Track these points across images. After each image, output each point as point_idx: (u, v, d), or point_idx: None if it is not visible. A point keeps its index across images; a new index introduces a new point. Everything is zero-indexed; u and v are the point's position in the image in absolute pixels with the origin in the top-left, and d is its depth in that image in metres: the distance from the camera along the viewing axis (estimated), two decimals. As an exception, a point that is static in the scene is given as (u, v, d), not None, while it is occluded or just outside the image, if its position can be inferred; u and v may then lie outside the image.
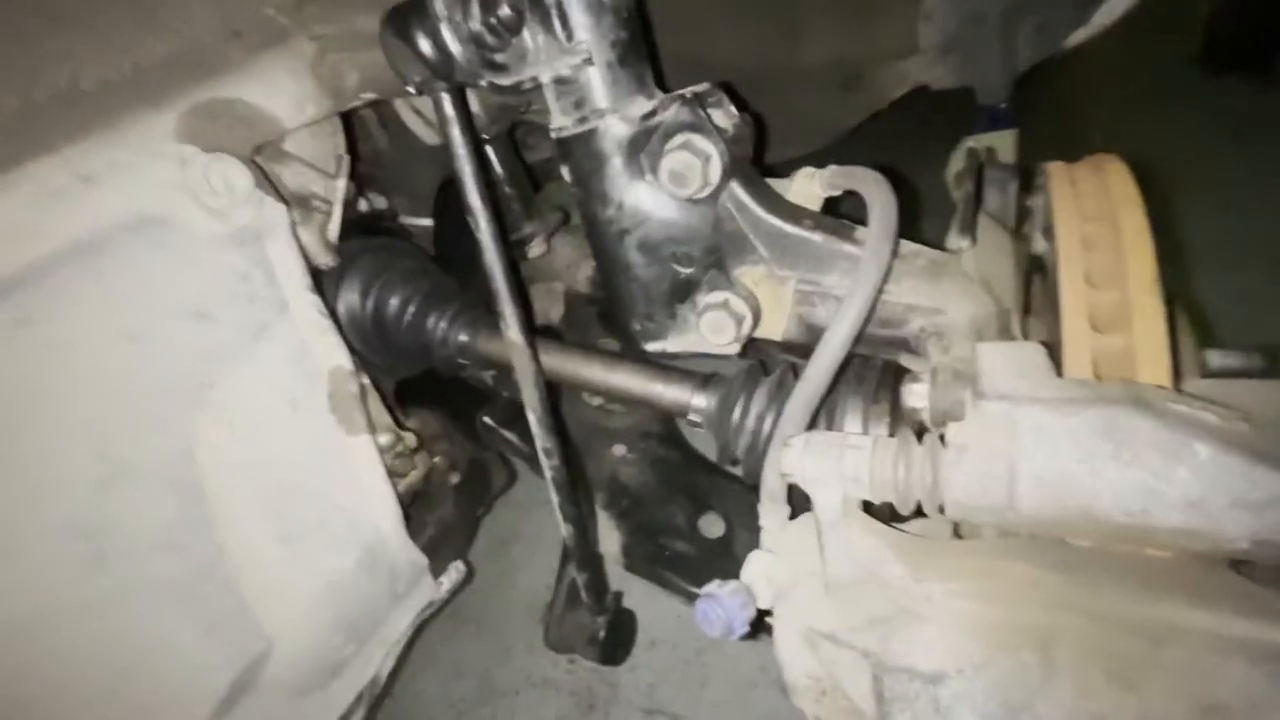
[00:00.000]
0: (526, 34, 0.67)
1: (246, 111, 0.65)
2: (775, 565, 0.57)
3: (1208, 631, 0.42)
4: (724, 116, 0.75)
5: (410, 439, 0.98)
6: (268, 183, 0.68)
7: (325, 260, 0.88)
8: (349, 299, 1.01)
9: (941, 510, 0.50)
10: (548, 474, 0.89)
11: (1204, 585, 0.45)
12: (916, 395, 0.65)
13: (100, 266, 0.56)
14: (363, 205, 1.08)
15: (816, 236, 0.74)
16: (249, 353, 0.68)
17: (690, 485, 1.16)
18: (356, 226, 1.11)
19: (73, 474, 0.56)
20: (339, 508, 0.78)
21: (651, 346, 0.85)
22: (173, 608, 0.64)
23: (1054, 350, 0.54)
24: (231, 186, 0.63)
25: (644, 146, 0.71)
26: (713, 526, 1.12)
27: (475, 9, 0.61)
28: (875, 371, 0.81)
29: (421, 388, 1.14)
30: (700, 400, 0.89)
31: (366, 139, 1.13)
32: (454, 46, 0.62)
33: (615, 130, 0.70)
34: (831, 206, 0.81)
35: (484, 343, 1.02)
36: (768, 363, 0.90)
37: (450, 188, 1.18)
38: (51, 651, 0.54)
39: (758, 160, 0.83)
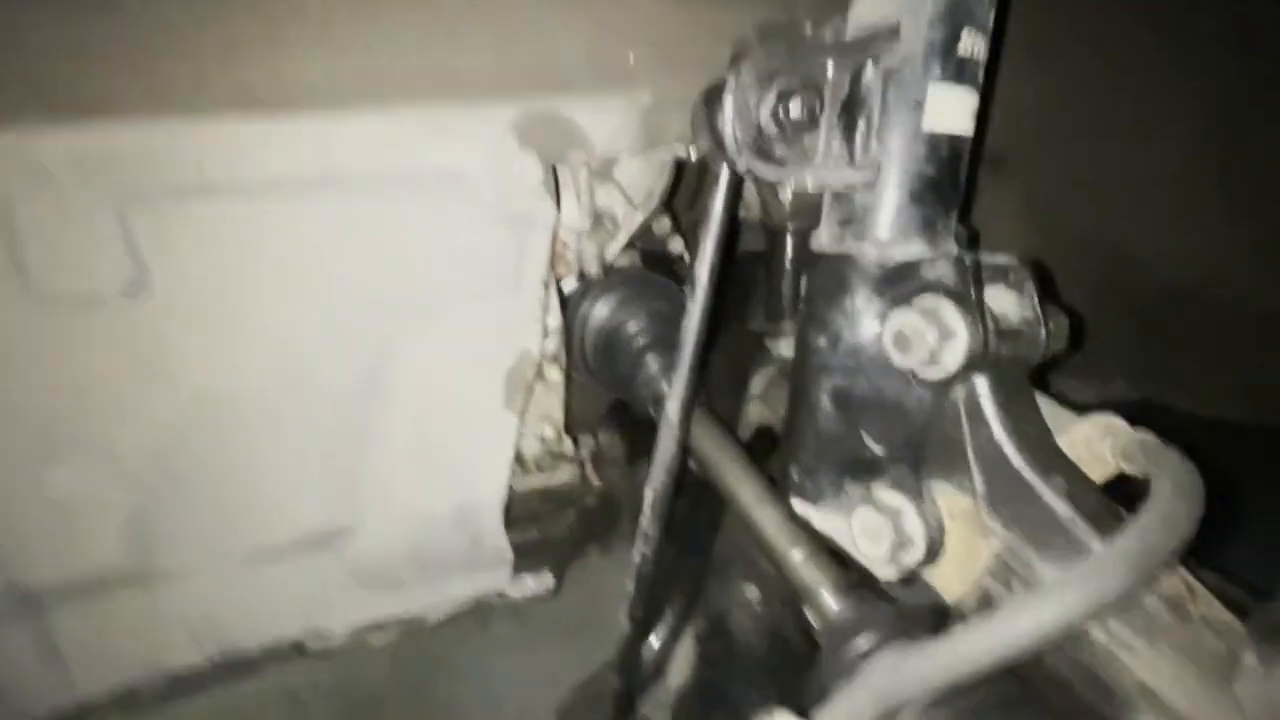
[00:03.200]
0: (821, 138, 0.63)
1: (570, 129, 0.77)
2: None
3: None
4: (1015, 303, 0.60)
5: (568, 445, 1.03)
6: (554, 189, 0.79)
7: (592, 269, 0.98)
8: (600, 313, 1.11)
9: None
10: (635, 558, 0.84)
11: None
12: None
13: (406, 192, 0.73)
14: (674, 246, 1.17)
15: (1060, 505, 0.54)
16: (471, 304, 0.80)
17: (790, 687, 0.96)
18: (653, 260, 1.21)
19: (310, 316, 0.74)
20: (462, 460, 0.86)
21: (798, 506, 0.73)
22: (313, 446, 0.79)
23: None
24: (524, 179, 0.75)
25: (888, 294, 0.61)
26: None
27: (767, 100, 0.60)
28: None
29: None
30: (830, 602, 0.73)
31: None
32: (735, 131, 0.62)
33: (868, 264, 0.62)
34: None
35: (674, 406, 1.01)
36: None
37: (740, 267, 1.20)
38: (220, 422, 0.73)
39: (1044, 374, 0.64)
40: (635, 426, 1.26)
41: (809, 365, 0.69)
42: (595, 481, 1.20)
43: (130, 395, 0.68)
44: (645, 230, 1.21)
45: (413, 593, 0.93)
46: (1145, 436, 0.53)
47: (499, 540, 0.93)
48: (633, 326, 1.09)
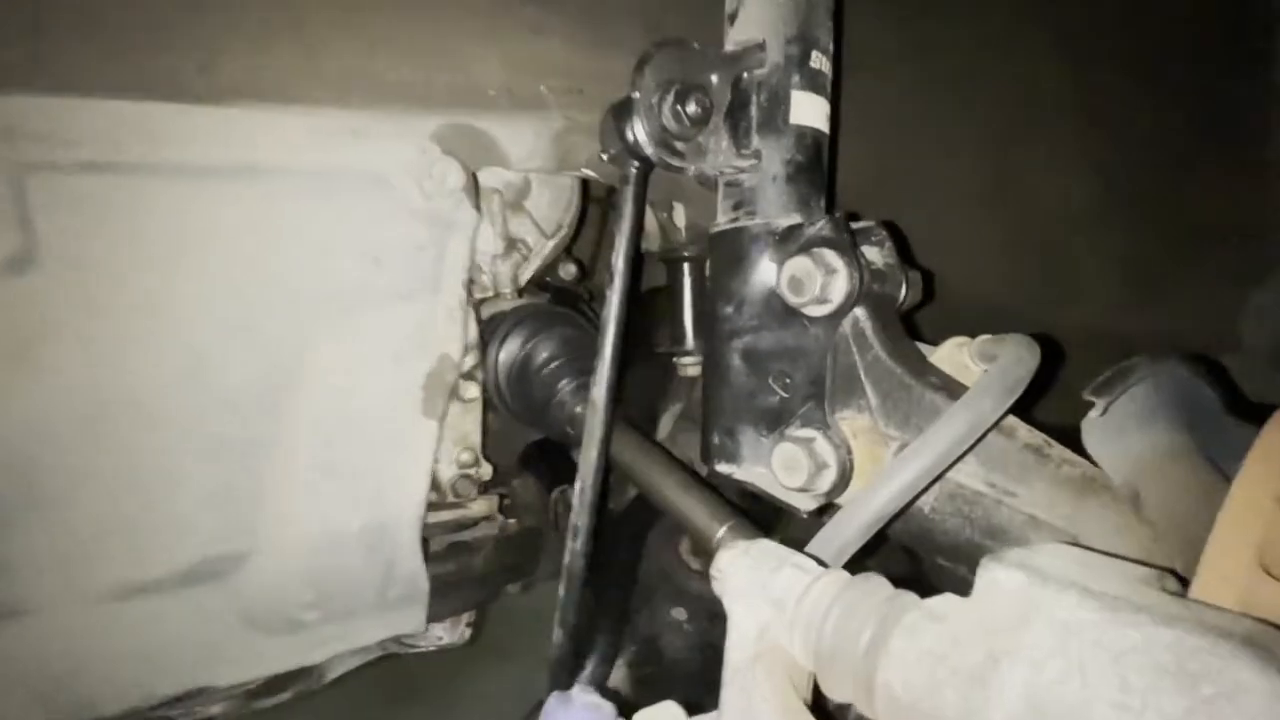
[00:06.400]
0: (712, 136, 0.75)
1: (488, 143, 0.84)
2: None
3: None
4: (878, 254, 0.72)
5: (486, 471, 1.01)
6: (475, 196, 0.84)
7: (506, 290, 1.03)
8: (512, 346, 1.13)
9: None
10: (566, 557, 0.82)
11: None
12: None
13: (328, 190, 0.75)
14: (567, 273, 1.24)
15: (939, 398, 0.62)
16: (391, 305, 0.81)
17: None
18: (559, 292, 1.27)
19: (216, 310, 0.71)
20: (376, 473, 0.82)
21: (721, 467, 0.77)
22: (206, 459, 0.72)
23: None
24: (445, 181, 0.80)
25: (780, 252, 0.71)
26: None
27: (669, 101, 0.72)
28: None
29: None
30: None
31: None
32: (643, 129, 0.73)
33: (759, 232, 0.72)
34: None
35: (593, 422, 1.03)
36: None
37: (650, 299, 1.30)
38: (99, 424, 0.66)
39: (910, 322, 0.75)
40: (551, 468, 1.26)
41: (719, 334, 0.77)
42: (510, 520, 1.16)
43: (-6, 382, 0.60)
44: (553, 268, 1.29)
45: (313, 636, 0.82)
46: (988, 335, 0.64)
47: (414, 565, 0.87)
48: (544, 352, 1.12)
